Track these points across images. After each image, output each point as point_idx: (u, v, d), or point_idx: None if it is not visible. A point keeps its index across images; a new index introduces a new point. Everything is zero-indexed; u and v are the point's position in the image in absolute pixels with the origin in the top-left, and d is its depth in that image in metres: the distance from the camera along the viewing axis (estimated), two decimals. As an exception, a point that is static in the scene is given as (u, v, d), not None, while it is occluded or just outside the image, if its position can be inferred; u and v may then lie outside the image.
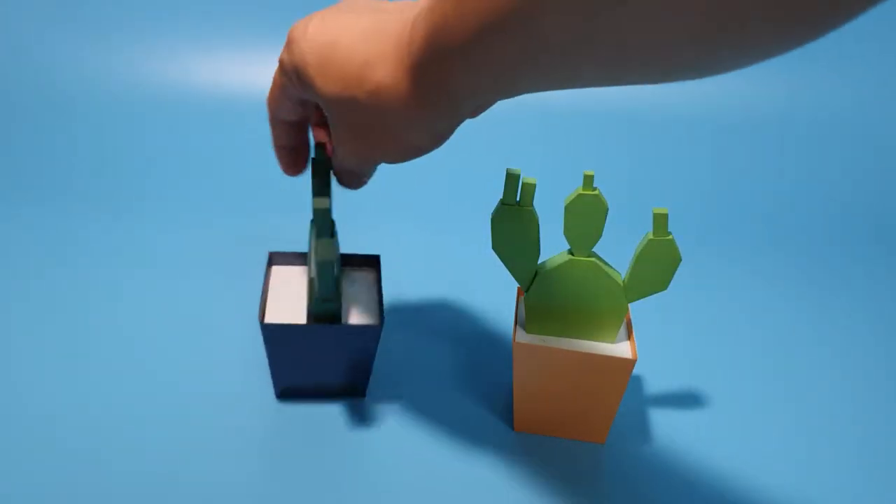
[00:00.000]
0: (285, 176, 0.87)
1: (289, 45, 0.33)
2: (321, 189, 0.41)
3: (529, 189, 0.41)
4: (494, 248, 0.43)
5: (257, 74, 0.96)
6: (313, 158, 0.41)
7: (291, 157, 0.41)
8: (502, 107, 0.97)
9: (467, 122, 0.95)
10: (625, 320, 0.47)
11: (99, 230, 0.72)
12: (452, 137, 0.94)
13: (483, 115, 0.96)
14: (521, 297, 0.49)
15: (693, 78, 0.24)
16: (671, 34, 0.21)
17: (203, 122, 0.92)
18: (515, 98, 0.98)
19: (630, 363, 0.43)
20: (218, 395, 0.48)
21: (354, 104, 0.31)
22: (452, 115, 0.31)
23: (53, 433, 0.44)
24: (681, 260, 0.42)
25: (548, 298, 0.44)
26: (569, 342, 0.45)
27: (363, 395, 0.49)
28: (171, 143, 0.89)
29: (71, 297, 0.59)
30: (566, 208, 0.41)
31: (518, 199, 0.41)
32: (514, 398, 0.46)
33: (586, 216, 0.41)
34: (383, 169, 0.89)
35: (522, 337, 0.45)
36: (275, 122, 0.40)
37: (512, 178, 0.41)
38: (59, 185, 0.81)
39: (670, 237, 0.41)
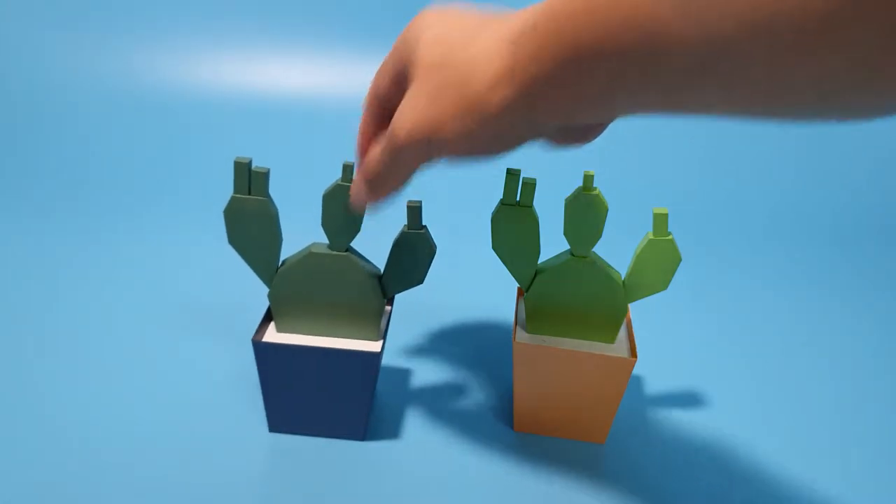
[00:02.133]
0: (289, 183, 0.87)
1: (412, 22, 0.35)
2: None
3: (529, 189, 0.41)
4: (494, 248, 0.43)
5: (257, 84, 0.96)
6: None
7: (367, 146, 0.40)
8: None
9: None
10: (625, 320, 0.47)
11: (90, 242, 0.72)
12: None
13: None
14: (521, 297, 0.49)
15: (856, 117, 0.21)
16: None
17: (201, 123, 0.92)
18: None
19: (630, 363, 0.43)
20: (209, 426, 0.47)
21: (446, 66, 0.31)
22: (532, 113, 0.29)
23: (41, 464, 0.44)
24: (681, 260, 0.42)
25: (548, 298, 0.44)
26: (569, 342, 0.45)
27: (362, 437, 0.45)
28: (168, 146, 0.89)
29: (58, 316, 0.59)
30: (566, 208, 0.41)
31: (518, 198, 0.41)
32: (514, 398, 0.46)
33: (586, 216, 0.41)
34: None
35: (522, 337, 0.45)
36: (369, 100, 0.39)
37: (512, 178, 0.41)
38: (56, 189, 0.81)
39: (670, 237, 0.41)
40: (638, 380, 0.54)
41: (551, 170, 0.90)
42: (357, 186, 0.37)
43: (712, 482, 0.44)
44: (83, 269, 0.63)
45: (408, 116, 0.32)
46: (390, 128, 0.34)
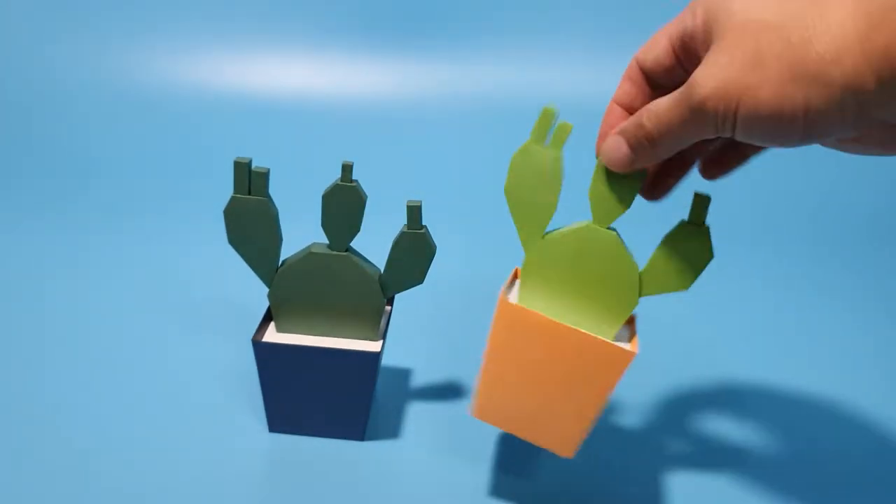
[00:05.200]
0: (289, 183, 0.87)
1: None
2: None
3: (562, 132, 0.36)
4: (506, 190, 0.37)
5: (254, 80, 0.96)
6: None
7: (622, 119, 0.36)
8: (500, 102, 0.97)
9: (466, 120, 0.95)
10: (629, 318, 0.40)
11: (88, 242, 0.72)
12: (450, 133, 0.94)
13: (480, 110, 0.96)
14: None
15: None
16: None
17: (201, 123, 0.92)
18: (514, 93, 0.97)
19: (628, 356, 0.35)
20: (209, 426, 0.46)
21: (780, 26, 0.27)
22: (871, 99, 0.25)
23: (41, 463, 0.44)
24: (712, 258, 0.36)
25: (549, 267, 0.38)
26: (561, 317, 0.38)
27: (361, 437, 0.45)
28: (168, 146, 0.89)
29: (60, 316, 0.59)
30: (596, 167, 0.36)
31: (548, 141, 0.36)
32: (482, 371, 0.38)
33: (614, 182, 0.36)
34: (378, 165, 0.89)
35: (512, 297, 0.39)
36: (631, 69, 0.35)
37: (546, 117, 0.36)
38: (56, 188, 0.81)
39: (705, 228, 0.35)
40: (624, 385, 0.54)
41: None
42: (615, 143, 0.33)
43: (707, 483, 0.44)
44: (82, 268, 0.63)
45: (716, 74, 0.28)
46: (688, 83, 0.29)
